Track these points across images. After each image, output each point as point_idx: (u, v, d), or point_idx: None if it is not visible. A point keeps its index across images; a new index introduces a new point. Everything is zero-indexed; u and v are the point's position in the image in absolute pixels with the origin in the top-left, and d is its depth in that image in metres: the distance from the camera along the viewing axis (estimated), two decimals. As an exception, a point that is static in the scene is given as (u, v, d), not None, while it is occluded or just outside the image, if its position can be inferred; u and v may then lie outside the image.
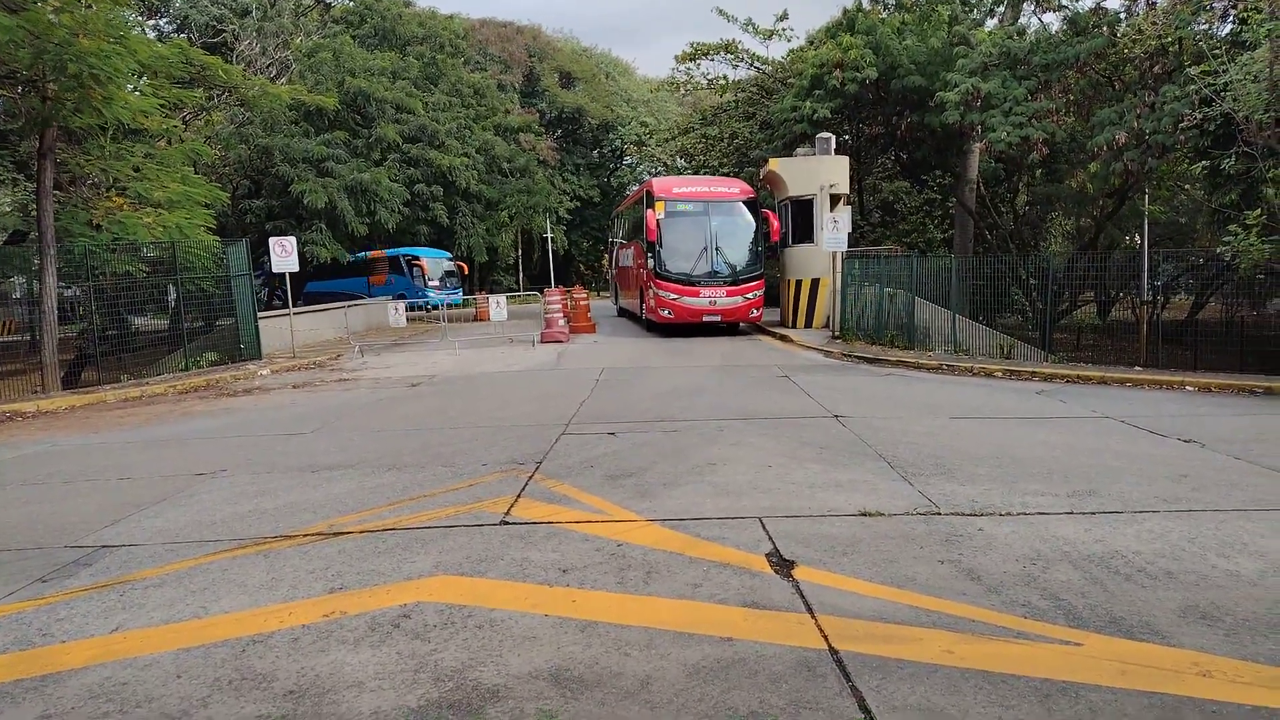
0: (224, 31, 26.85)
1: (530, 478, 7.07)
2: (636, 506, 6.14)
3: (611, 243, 30.56)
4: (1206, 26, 16.00)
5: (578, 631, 4.12)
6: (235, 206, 24.44)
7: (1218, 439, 8.10)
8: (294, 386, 14.18)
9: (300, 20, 30.88)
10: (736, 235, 19.89)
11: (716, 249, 19.52)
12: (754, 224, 20.12)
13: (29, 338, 16.99)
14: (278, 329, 19.46)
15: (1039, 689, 3.45)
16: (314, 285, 43.08)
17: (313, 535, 5.74)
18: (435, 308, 39.92)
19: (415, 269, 38.22)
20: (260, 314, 18.93)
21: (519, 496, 6.51)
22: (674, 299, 19.54)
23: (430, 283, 38.48)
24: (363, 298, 34.92)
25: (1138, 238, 22.54)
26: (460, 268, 42.30)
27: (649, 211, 19.63)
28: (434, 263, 39.15)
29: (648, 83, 57.37)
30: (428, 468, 7.60)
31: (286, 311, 19.89)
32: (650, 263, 19.95)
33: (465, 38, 41.05)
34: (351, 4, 35.84)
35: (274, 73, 25.75)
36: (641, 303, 21.85)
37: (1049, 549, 5.06)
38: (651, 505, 6.17)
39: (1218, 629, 3.95)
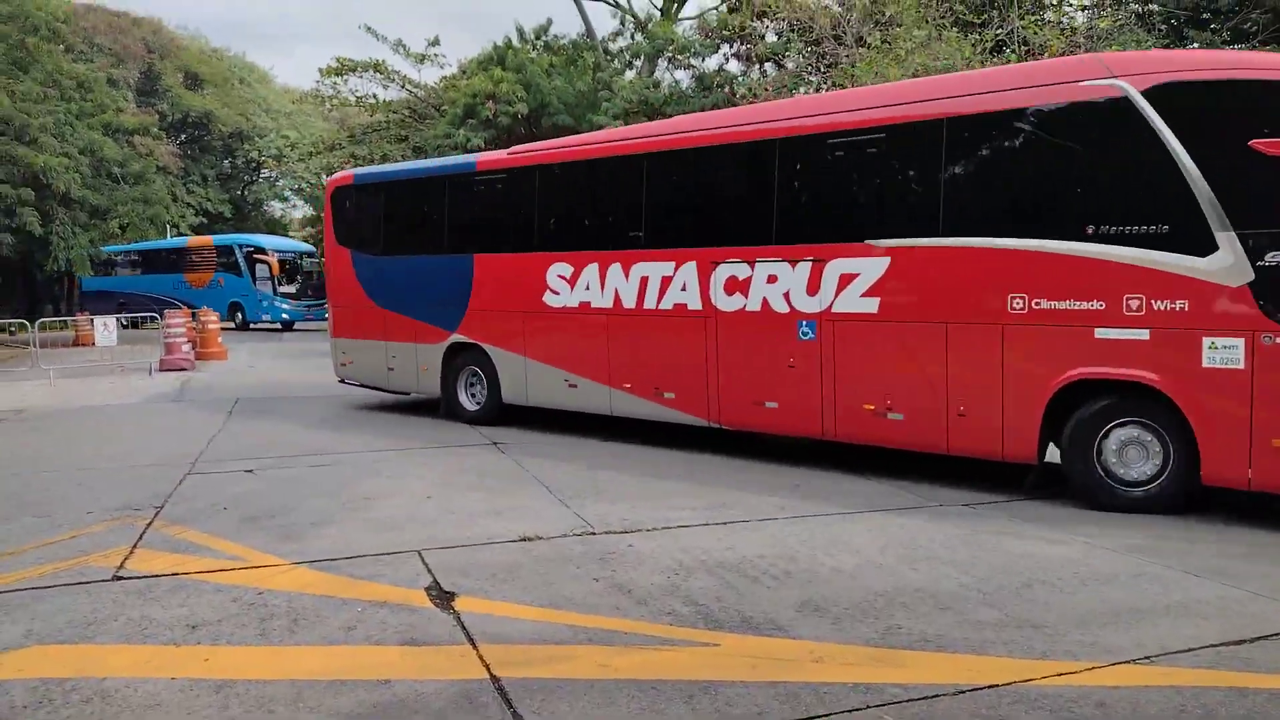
0: None
1: (149, 525, 6.24)
2: (280, 549, 5.67)
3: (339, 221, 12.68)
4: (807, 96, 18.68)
5: (212, 693, 3.70)
6: None
7: (820, 456, 9.30)
8: None
9: None
10: None
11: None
12: None
13: None
14: None
15: (684, 690, 3.71)
16: (94, 284, 31.09)
17: None
18: (287, 325, 28.37)
19: (259, 265, 27.68)
20: None
21: (135, 547, 5.72)
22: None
23: (281, 288, 28.11)
24: (177, 305, 24.02)
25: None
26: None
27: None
28: (287, 258, 28.65)
29: (289, 93, 53.97)
30: (14, 520, 6.41)
31: None
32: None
33: (67, 22, 35.61)
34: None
35: None
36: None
37: (690, 559, 5.48)
38: (298, 547, 5.73)
39: (827, 619, 4.54)
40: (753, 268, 8.14)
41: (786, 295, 7.94)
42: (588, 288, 9.39)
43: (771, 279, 8.03)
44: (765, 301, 8.08)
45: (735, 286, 8.27)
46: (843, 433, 7.80)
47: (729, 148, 8.58)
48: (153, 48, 47.38)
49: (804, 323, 7.85)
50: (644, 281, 8.93)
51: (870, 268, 7.44)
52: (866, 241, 7.49)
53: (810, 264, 7.77)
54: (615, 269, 9.16)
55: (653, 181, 9.06)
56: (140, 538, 5.93)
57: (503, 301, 10.26)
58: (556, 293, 9.66)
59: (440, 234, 11.02)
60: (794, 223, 8.08)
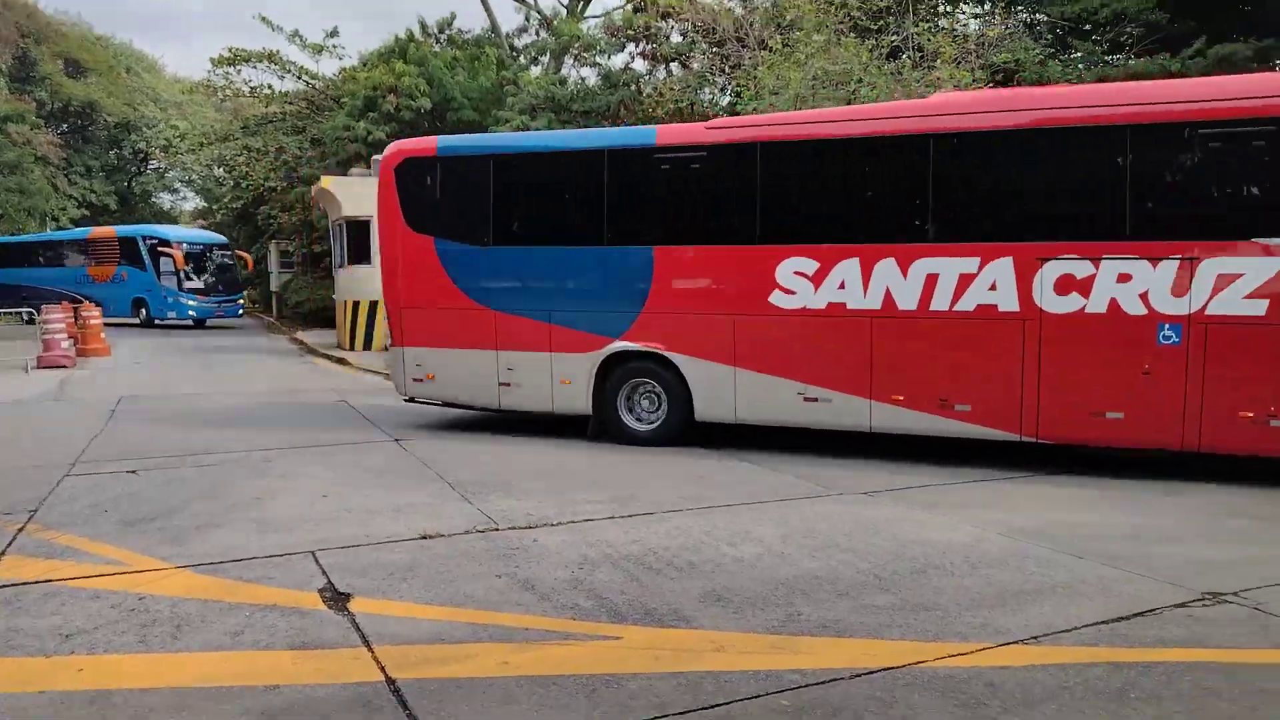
0: None
1: (21, 529, 5.86)
2: (164, 553, 5.40)
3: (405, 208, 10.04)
4: (711, 97, 18.88)
5: (85, 705, 3.48)
6: None
7: (731, 445, 9.41)
8: None
9: None
10: None
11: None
12: None
13: None
14: None
15: (586, 685, 3.67)
16: None
17: None
18: (199, 321, 26.98)
19: (163, 258, 26.06)
20: None
21: (3, 553, 5.36)
22: None
23: (187, 283, 26.47)
24: (78, 299, 22.78)
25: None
26: (242, 259, 29.01)
27: None
28: (195, 250, 26.85)
29: (179, 83, 51.58)
30: None
31: None
32: None
33: (-72, 0, 33.29)
34: None
35: None
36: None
37: (595, 553, 5.45)
38: (183, 550, 5.46)
39: (728, 608, 4.57)
40: (1097, 265, 7.36)
41: (1144, 296, 7.24)
42: (842, 286, 8.18)
43: (1123, 278, 7.30)
44: (1114, 302, 7.34)
45: (1071, 286, 7.45)
46: (1208, 442, 7.19)
47: (1063, 132, 7.65)
48: (27, 32, 44.66)
49: (1166, 325, 7.20)
50: (931, 279, 7.87)
51: (1258, 267, 6.95)
52: (1254, 240, 7.00)
53: (1178, 262, 7.15)
54: (887, 265, 8.01)
55: (948, 167, 8.00)
56: (10, 543, 5.56)
57: (701, 303, 8.82)
58: (791, 292, 8.36)
59: (596, 221, 9.21)
60: (1155, 217, 7.41)
